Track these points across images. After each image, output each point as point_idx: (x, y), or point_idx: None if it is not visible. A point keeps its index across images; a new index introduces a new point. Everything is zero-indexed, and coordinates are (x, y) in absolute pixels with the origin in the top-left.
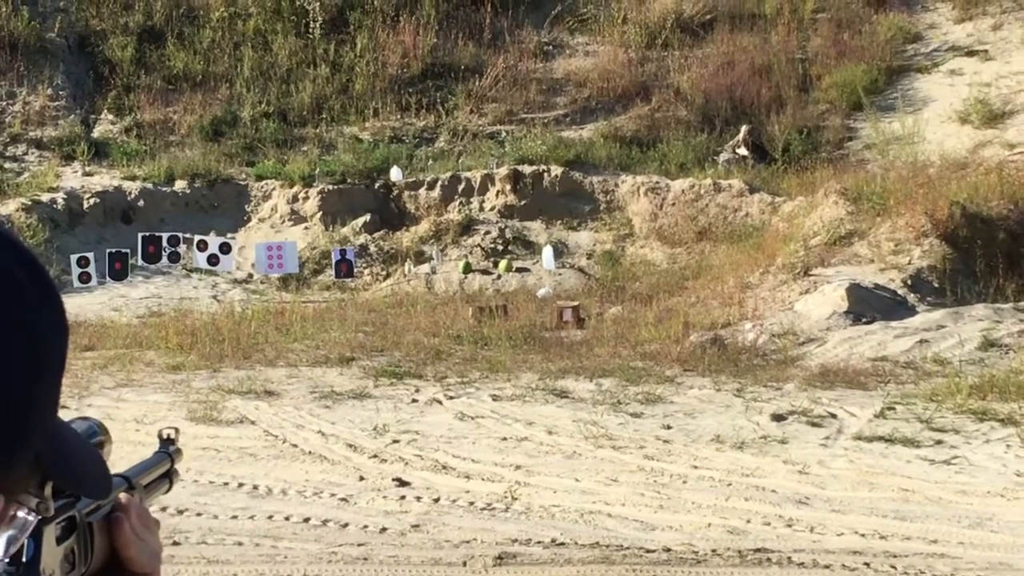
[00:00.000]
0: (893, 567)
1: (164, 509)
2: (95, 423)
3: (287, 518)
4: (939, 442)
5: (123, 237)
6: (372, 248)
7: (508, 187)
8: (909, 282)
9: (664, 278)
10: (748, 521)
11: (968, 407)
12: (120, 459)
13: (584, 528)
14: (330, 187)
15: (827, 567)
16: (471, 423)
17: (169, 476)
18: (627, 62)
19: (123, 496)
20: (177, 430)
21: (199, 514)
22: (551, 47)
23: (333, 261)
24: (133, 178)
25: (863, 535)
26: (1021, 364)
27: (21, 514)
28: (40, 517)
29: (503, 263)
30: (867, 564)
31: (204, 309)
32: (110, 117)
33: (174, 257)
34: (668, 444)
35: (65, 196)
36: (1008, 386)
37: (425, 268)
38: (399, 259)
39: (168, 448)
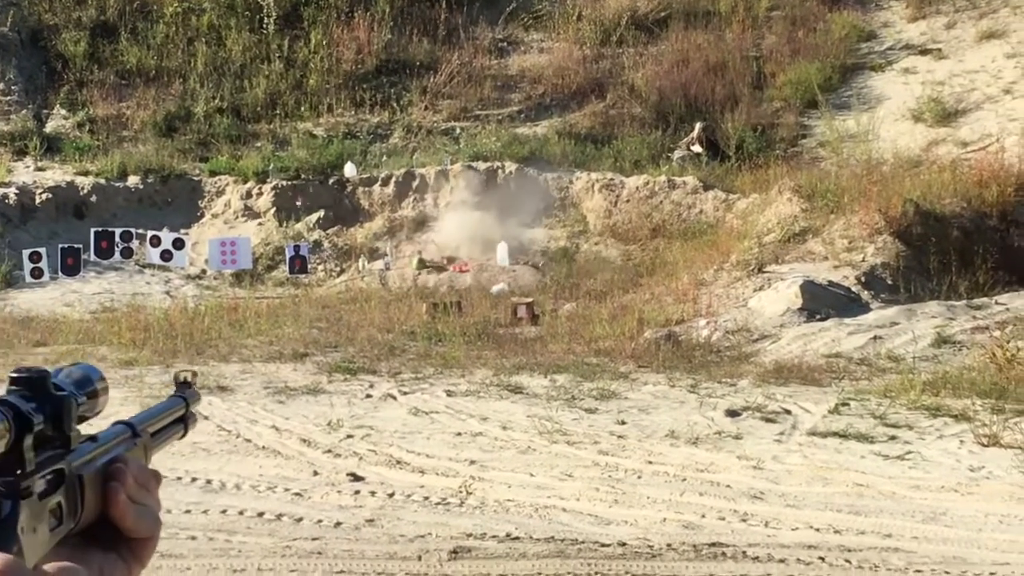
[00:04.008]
0: (848, 561)
1: None
2: (90, 368)
3: (241, 512)
4: (893, 438)
5: (76, 232)
6: (326, 244)
7: (462, 183)
8: (863, 279)
9: (618, 275)
10: (703, 516)
11: (922, 403)
12: None
13: (539, 522)
14: (284, 183)
15: (782, 561)
16: (425, 418)
17: (184, 421)
18: (582, 59)
19: (118, 465)
20: (195, 372)
21: None
22: (506, 44)
23: (287, 257)
24: (86, 173)
25: (818, 529)
26: (974, 361)
27: None
28: (18, 472)
29: (415, 260)
30: (822, 558)
31: (157, 305)
32: (63, 112)
33: (127, 253)
34: (623, 440)
35: (17, 191)
36: (961, 382)
37: (379, 264)
38: (353, 255)
39: (184, 392)
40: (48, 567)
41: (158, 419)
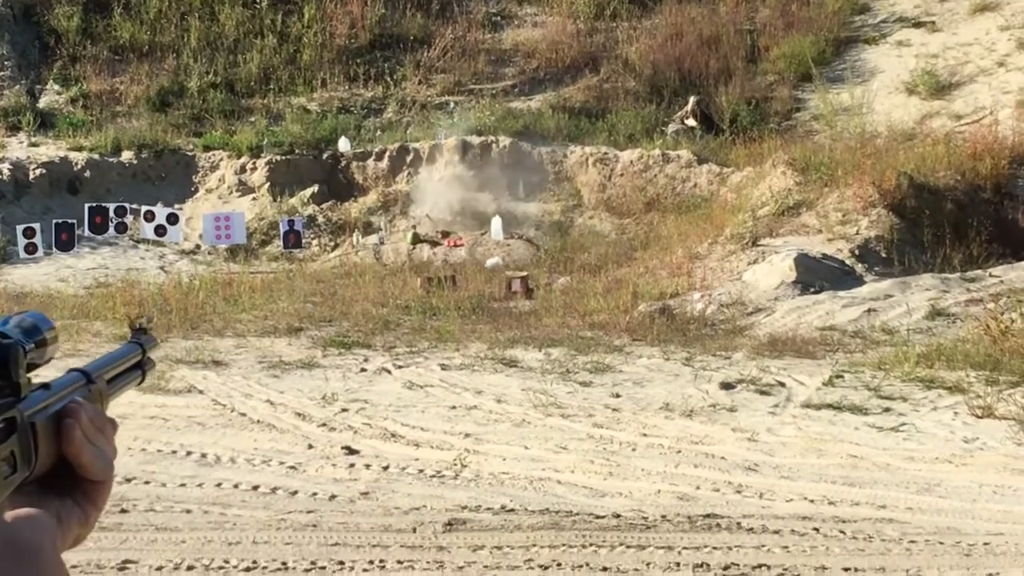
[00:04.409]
0: (842, 532)
1: None
2: (39, 317)
3: (236, 486)
4: (887, 410)
5: (69, 208)
6: (320, 219)
7: (456, 158)
8: (857, 252)
9: (613, 249)
10: (697, 488)
11: (916, 375)
12: None
13: (534, 495)
14: (278, 158)
15: (776, 532)
16: (420, 392)
17: (141, 367)
18: (575, 33)
19: (73, 403)
20: (150, 318)
21: (147, 482)
22: (499, 18)
23: (281, 232)
24: (79, 148)
25: (812, 501)
26: (968, 333)
27: None
28: None
29: (409, 234)
30: (816, 529)
31: (151, 280)
32: (56, 87)
33: (121, 228)
34: (617, 412)
35: (11, 167)
36: (955, 354)
37: (373, 239)
38: (347, 230)
39: (140, 338)
40: (8, 514)
41: (114, 366)
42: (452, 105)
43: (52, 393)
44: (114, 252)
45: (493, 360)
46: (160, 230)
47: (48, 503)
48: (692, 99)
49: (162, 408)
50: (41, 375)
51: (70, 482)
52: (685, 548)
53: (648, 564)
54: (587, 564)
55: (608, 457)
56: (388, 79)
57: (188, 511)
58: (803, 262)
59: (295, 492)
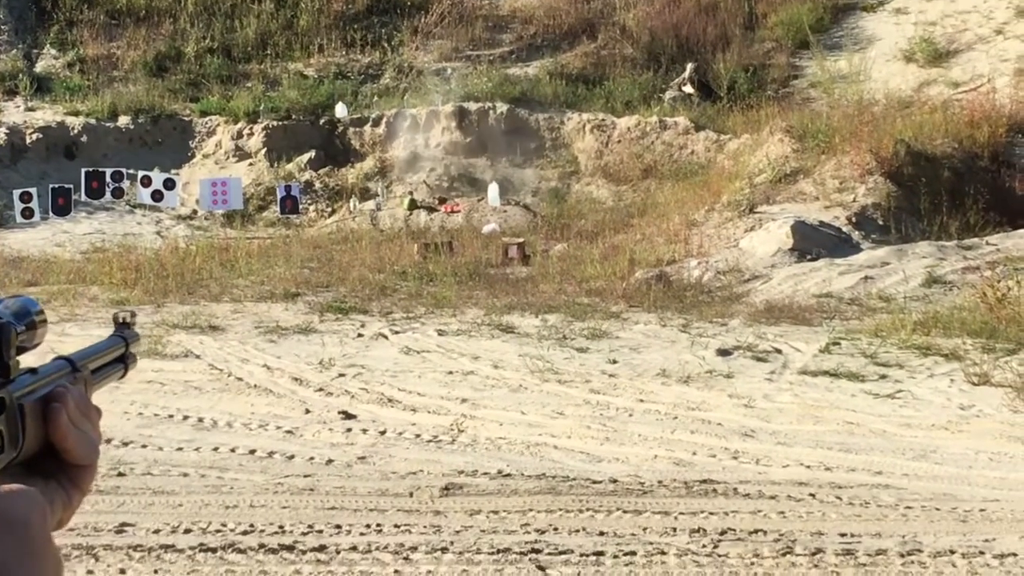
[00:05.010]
0: (838, 498)
1: (108, 441)
2: (28, 300)
3: (233, 450)
4: (883, 376)
5: (66, 172)
6: (317, 184)
7: (453, 124)
8: (854, 219)
9: (610, 215)
10: (694, 453)
11: (912, 342)
12: None
13: (530, 460)
14: (275, 123)
15: (772, 498)
16: (417, 357)
17: (124, 361)
18: None
19: (60, 387)
20: (133, 313)
21: (144, 446)
22: None
23: (278, 197)
24: (76, 113)
25: (808, 467)
26: (964, 300)
27: None
28: None
29: (406, 200)
30: (812, 495)
31: (148, 245)
32: (53, 52)
33: (118, 193)
34: (614, 378)
35: (7, 131)
36: (952, 322)
37: (370, 204)
38: (344, 195)
39: (123, 331)
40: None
41: (98, 356)
42: (449, 71)
43: (40, 378)
44: (111, 217)
45: (490, 326)
46: (157, 195)
47: (34, 484)
48: (690, 66)
49: (159, 372)
50: (25, 362)
51: (55, 465)
52: (681, 513)
53: (644, 529)
54: (584, 529)
55: (605, 423)
56: (385, 45)
57: (185, 475)
58: (800, 229)
59: (292, 456)
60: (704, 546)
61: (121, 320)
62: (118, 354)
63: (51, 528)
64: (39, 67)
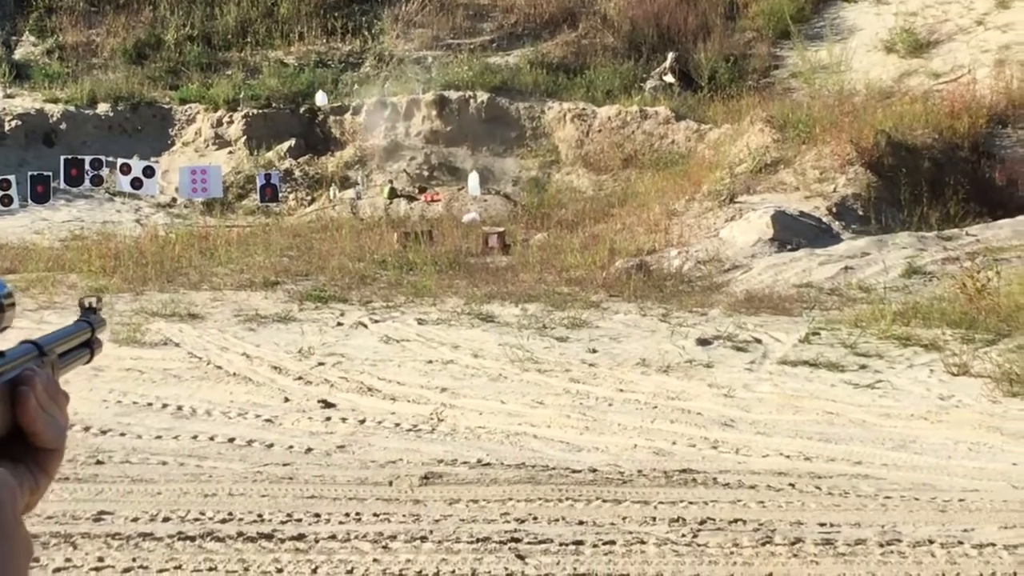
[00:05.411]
0: (818, 488)
1: (87, 429)
2: None
3: (212, 438)
4: (863, 367)
5: (45, 160)
6: (297, 173)
7: (434, 113)
8: (834, 210)
9: (590, 205)
10: (674, 443)
11: (892, 333)
12: None
13: (510, 449)
14: (255, 111)
15: (752, 488)
16: (396, 346)
17: (90, 346)
18: None
19: (28, 371)
20: (99, 298)
21: (123, 434)
22: None
23: (258, 186)
24: (55, 100)
25: (788, 457)
26: (944, 291)
27: None
28: None
29: (386, 189)
30: (792, 485)
31: (127, 233)
32: (32, 39)
33: (97, 180)
34: (594, 368)
35: None
36: (931, 312)
37: (350, 193)
38: (324, 184)
39: (89, 316)
40: None
41: (65, 340)
42: (430, 60)
43: (7, 361)
44: (90, 205)
45: (470, 315)
46: (136, 183)
47: (2, 467)
48: (670, 55)
49: (138, 360)
50: None
51: (22, 449)
52: (661, 503)
53: (624, 518)
54: (563, 518)
55: (584, 412)
56: (366, 33)
57: (164, 463)
58: (780, 219)
59: (271, 445)
60: (683, 535)
61: (87, 305)
62: (84, 339)
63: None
64: (18, 54)
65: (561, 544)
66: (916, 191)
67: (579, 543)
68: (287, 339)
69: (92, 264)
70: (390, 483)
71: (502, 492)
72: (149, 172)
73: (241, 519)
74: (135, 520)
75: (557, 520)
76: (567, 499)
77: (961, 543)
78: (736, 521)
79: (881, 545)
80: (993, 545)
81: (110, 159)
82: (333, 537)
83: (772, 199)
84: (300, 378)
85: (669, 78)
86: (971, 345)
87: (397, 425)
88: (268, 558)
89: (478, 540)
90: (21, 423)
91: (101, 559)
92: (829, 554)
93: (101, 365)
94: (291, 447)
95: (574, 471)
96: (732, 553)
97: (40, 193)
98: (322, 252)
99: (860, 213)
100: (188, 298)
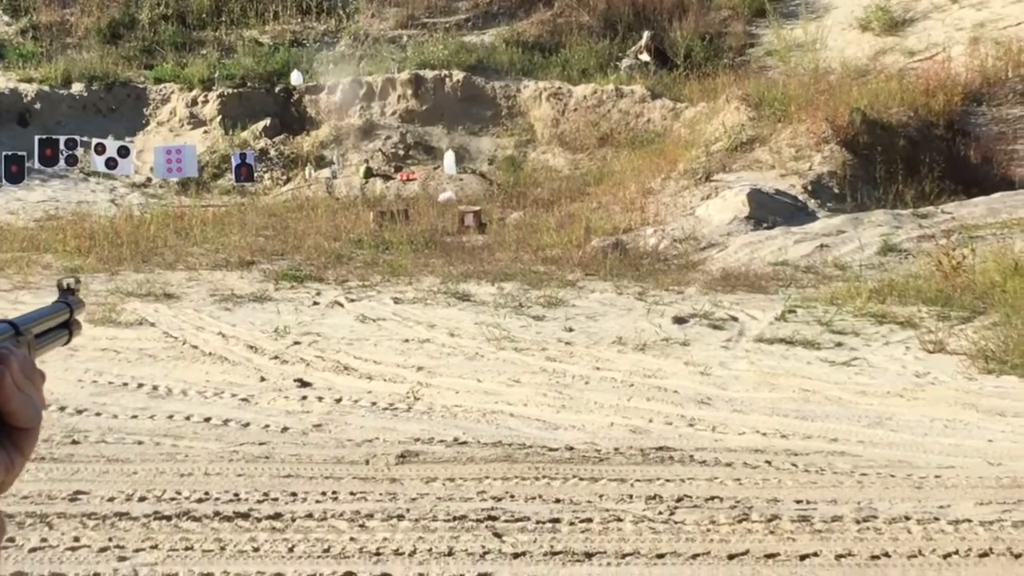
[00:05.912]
0: (794, 465)
1: (63, 409)
2: None
3: (188, 418)
4: (839, 344)
5: (19, 140)
6: (272, 152)
7: (409, 92)
8: (810, 188)
9: (566, 184)
10: (650, 421)
11: (868, 310)
12: None
13: (487, 427)
14: (230, 91)
15: (728, 465)
16: (373, 325)
17: (68, 327)
18: None
19: (3, 349)
20: (78, 279)
21: (98, 414)
22: None
23: (233, 165)
24: (29, 80)
25: (764, 434)
26: (920, 269)
27: None
28: None
29: (362, 168)
30: (768, 462)
31: (102, 213)
32: (5, 18)
33: (71, 160)
34: (570, 346)
35: None
36: (907, 290)
37: (326, 172)
38: (299, 163)
39: (67, 298)
40: None
41: (42, 321)
42: (405, 39)
43: None
44: (65, 185)
45: (446, 294)
46: (111, 163)
47: None
48: (646, 34)
49: (113, 340)
50: None
51: None
52: (638, 480)
53: (601, 496)
54: (540, 496)
55: (561, 390)
56: (341, 12)
57: (140, 443)
58: (756, 197)
59: (247, 424)
60: (660, 513)
61: (65, 286)
62: (62, 320)
63: None
64: None
65: (538, 522)
66: (891, 169)
67: (556, 521)
68: (263, 319)
69: (67, 244)
70: (366, 462)
71: (479, 470)
72: (124, 152)
73: (217, 498)
74: (111, 500)
75: (534, 498)
76: (544, 477)
77: (937, 519)
78: (713, 498)
79: (857, 522)
80: (969, 521)
81: (85, 139)
82: (310, 516)
83: (748, 177)
84: (276, 357)
85: (645, 57)
86: (947, 322)
87: (373, 404)
88: (244, 537)
89: (455, 518)
90: None
91: (77, 539)
92: (805, 531)
93: (76, 345)
94: (267, 426)
95: (551, 449)
96: (709, 530)
97: (14, 173)
98: (298, 232)
99: (836, 191)
100: (163, 278)
